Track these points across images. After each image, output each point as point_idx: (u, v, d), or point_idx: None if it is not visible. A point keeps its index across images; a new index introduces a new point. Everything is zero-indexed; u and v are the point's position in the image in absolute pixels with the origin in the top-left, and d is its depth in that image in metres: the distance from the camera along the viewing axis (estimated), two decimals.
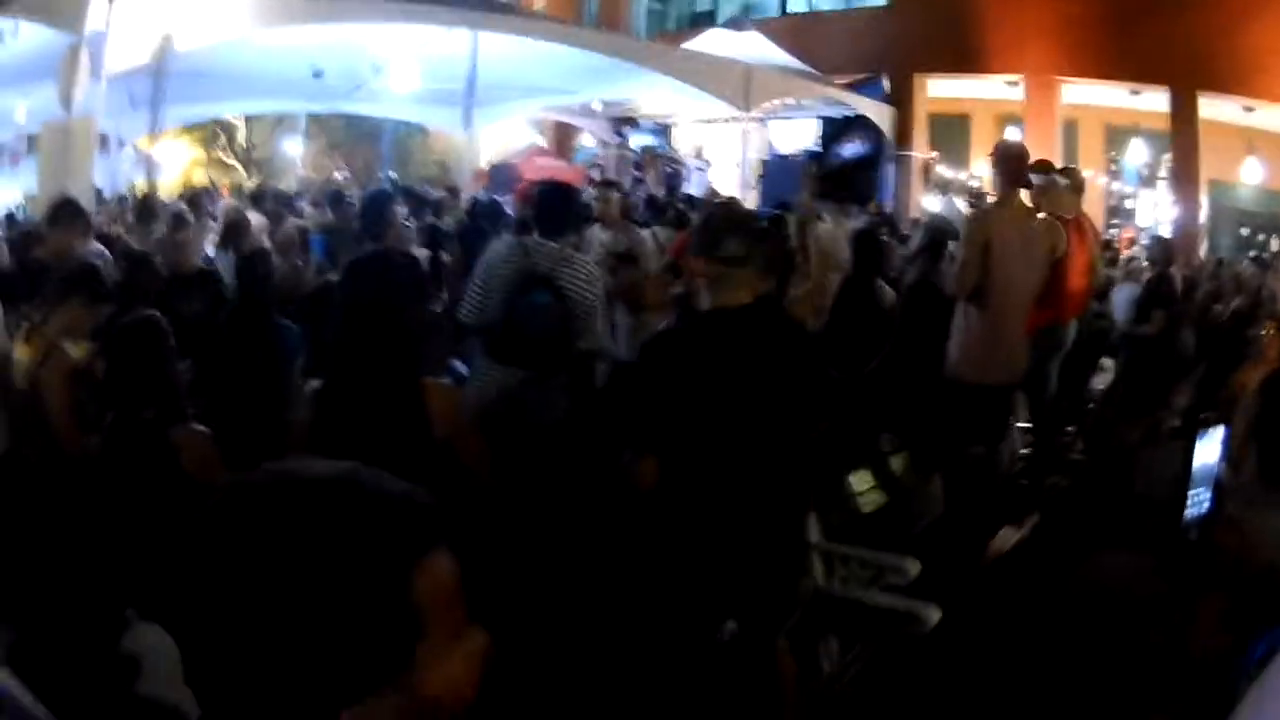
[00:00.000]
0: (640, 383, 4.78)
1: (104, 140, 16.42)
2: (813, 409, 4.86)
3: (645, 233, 11.29)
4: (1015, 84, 24.08)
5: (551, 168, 26.83)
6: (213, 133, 35.89)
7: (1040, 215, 8.59)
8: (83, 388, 5.24)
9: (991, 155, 8.73)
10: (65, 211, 8.32)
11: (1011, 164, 8.38)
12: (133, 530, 4.10)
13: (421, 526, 1.29)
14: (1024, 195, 8.42)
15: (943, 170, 23.34)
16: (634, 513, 4.74)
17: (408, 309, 4.78)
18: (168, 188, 20.73)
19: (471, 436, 4.90)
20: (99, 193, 15.61)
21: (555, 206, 7.07)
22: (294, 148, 31.47)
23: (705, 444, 4.57)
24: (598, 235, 10.23)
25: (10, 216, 17.96)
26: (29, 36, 12.72)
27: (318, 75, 20.39)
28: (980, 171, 22.20)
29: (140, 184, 21.69)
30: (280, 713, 1.22)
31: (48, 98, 16.12)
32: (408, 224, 10.75)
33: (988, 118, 25.39)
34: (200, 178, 33.75)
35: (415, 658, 1.27)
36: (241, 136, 37.83)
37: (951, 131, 25.15)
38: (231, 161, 37.54)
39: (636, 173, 24.51)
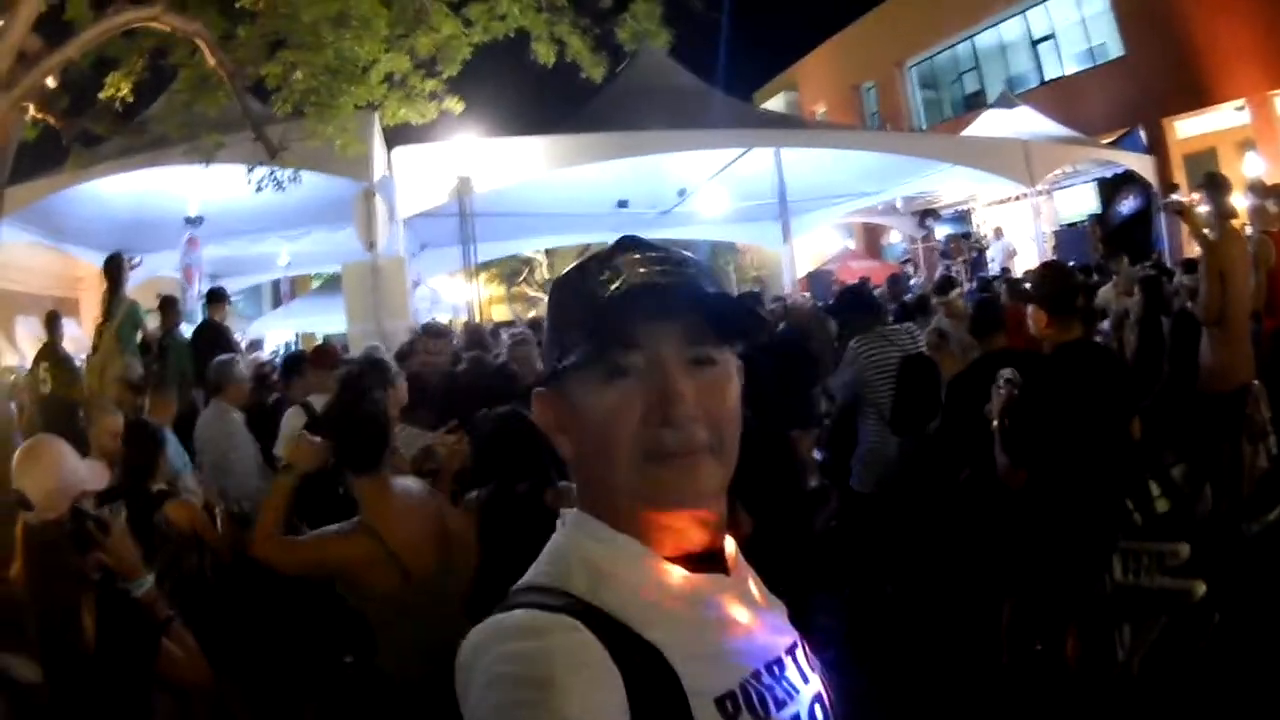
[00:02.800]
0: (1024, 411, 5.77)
1: None
2: (1127, 422, 6.04)
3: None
4: (1242, 109, 23.93)
5: (866, 268, 27.80)
6: (512, 269, 36.37)
7: (1249, 232, 9.52)
8: None
9: (1201, 188, 9.75)
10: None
11: (1223, 194, 9.27)
12: None
13: None
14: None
15: (1204, 210, 21.95)
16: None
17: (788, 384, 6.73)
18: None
19: None
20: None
21: (860, 304, 8.82)
22: None
23: (1069, 453, 5.67)
24: (944, 324, 10.57)
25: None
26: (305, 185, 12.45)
27: (622, 205, 21.49)
28: (1238, 203, 21.26)
29: (443, 320, 22.07)
30: None
31: (320, 243, 17.82)
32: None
33: (1229, 147, 24.49)
34: (501, 313, 34.26)
35: None
36: (545, 269, 37.96)
37: (1201, 168, 23.86)
38: (536, 294, 37.73)
39: (945, 260, 24.96)
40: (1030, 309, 6.05)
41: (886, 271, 25.01)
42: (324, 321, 23.55)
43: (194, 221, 15.80)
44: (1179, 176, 23.43)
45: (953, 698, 6.26)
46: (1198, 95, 23.97)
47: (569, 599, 1.46)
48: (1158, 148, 24.07)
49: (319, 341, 24.42)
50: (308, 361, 8.64)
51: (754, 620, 1.58)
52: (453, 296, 23.57)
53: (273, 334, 24.91)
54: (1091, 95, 26.45)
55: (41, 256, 17.77)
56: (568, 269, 1.67)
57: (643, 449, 1.49)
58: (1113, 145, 23.95)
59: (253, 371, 10.63)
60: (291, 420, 7.41)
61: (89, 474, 4.19)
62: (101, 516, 3.88)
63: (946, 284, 12.64)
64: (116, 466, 6.57)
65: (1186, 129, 24.73)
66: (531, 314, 33.99)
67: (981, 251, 25.12)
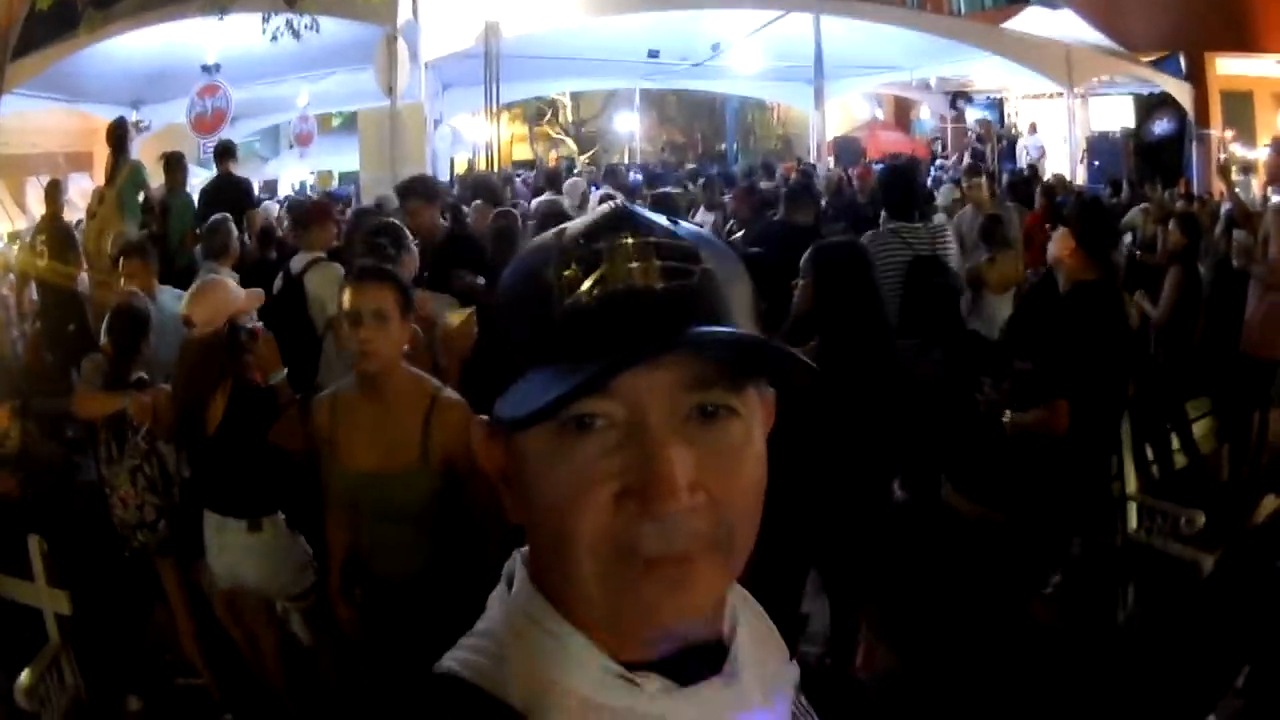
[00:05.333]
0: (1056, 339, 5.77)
1: None
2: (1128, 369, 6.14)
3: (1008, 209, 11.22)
4: None
5: (894, 141, 27.70)
6: (537, 109, 35.82)
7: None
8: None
9: (1272, 148, 9.64)
10: (420, 188, 8.26)
11: None
12: None
13: None
14: None
15: (1237, 149, 21.95)
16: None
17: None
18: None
19: None
20: None
21: (901, 188, 7.77)
22: (628, 122, 31.06)
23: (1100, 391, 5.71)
24: (968, 216, 10.54)
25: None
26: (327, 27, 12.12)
27: (653, 55, 20.90)
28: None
29: (463, 161, 21.81)
30: None
31: (342, 84, 17.43)
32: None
33: (1266, 96, 24.37)
34: (523, 153, 33.84)
35: None
36: (568, 112, 37.39)
37: (1236, 109, 24.13)
38: (560, 135, 37.22)
39: (978, 145, 24.54)
40: (1061, 233, 6.07)
41: (914, 146, 24.99)
42: (341, 161, 23.28)
43: (212, 69, 15.34)
44: (1215, 111, 23.32)
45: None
46: (1241, 37, 23.59)
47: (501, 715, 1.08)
48: (1197, 78, 23.71)
49: (334, 182, 24.25)
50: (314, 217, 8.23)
51: None
52: (474, 135, 23.19)
53: (288, 174, 24.60)
54: (1135, 12, 25.50)
55: (55, 117, 17.76)
56: (532, 241, 1.15)
57: (609, 546, 1.02)
58: (1153, 65, 23.62)
59: (259, 225, 10.41)
60: (319, 279, 7.01)
61: (244, 298, 5.39)
62: (252, 328, 5.26)
63: (973, 170, 12.17)
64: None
65: (1227, 67, 24.26)
66: (553, 154, 33.71)
67: (1012, 142, 24.92)
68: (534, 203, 9.78)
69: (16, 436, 6.20)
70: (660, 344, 0.98)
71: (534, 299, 1.04)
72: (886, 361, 5.31)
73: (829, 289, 5.23)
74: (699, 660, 1.11)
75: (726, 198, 12.58)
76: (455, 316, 5.81)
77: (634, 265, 1.02)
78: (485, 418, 1.13)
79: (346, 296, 4.09)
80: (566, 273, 1.03)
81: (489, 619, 1.17)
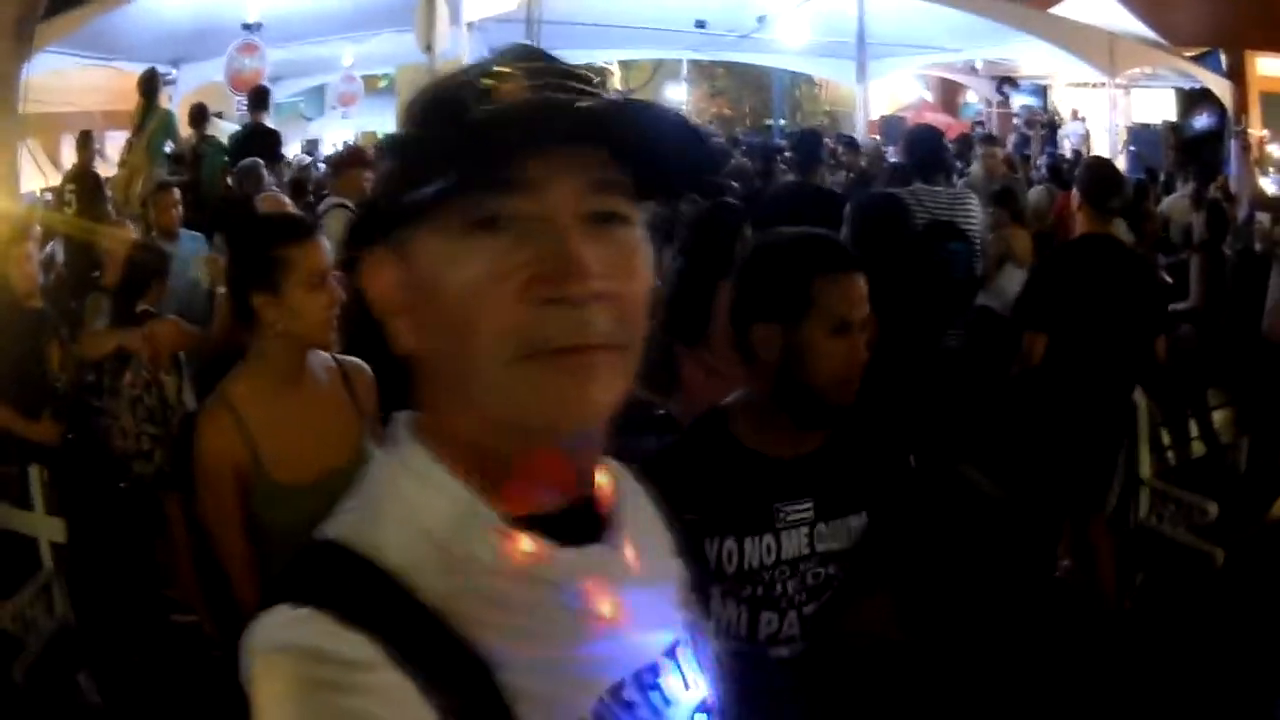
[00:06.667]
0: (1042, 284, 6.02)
1: None
2: (1151, 322, 6.09)
3: (1041, 189, 11.20)
4: None
5: (940, 122, 27.15)
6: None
7: None
8: None
9: None
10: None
11: None
12: None
13: None
14: None
15: (1274, 150, 22.31)
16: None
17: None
18: None
19: None
20: None
21: (930, 149, 7.69)
22: (676, 93, 31.01)
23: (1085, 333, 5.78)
24: (980, 179, 10.54)
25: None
26: None
27: (700, 25, 20.81)
28: None
29: None
30: None
31: (387, 45, 17.47)
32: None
33: None
34: None
35: None
36: (617, 81, 37.29)
37: (1274, 110, 23.91)
38: None
39: (1026, 130, 24.22)
40: (1073, 193, 6.39)
41: (961, 130, 24.88)
42: (386, 122, 23.25)
43: (253, 27, 15.42)
44: (1254, 110, 23.14)
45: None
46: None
47: (377, 585, 1.05)
48: (1236, 76, 23.47)
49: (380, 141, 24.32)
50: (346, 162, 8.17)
51: (627, 611, 1.18)
52: None
53: (332, 134, 24.37)
54: (1178, 6, 24.94)
55: (93, 75, 17.58)
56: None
57: (517, 340, 1.03)
58: (1194, 60, 23.39)
59: (292, 174, 10.42)
60: (331, 224, 6.65)
61: None
62: None
63: (990, 139, 12.91)
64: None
65: (1266, 66, 24.11)
66: None
67: (1055, 128, 24.68)
68: None
69: (68, 377, 6.14)
70: (570, 133, 1.02)
71: (448, 110, 1.04)
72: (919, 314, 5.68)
73: (867, 238, 5.44)
74: (578, 525, 1.16)
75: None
76: None
77: (541, 83, 1.04)
78: (374, 247, 1.13)
79: (300, 256, 3.13)
80: (485, 82, 1.04)
81: (367, 480, 1.17)
